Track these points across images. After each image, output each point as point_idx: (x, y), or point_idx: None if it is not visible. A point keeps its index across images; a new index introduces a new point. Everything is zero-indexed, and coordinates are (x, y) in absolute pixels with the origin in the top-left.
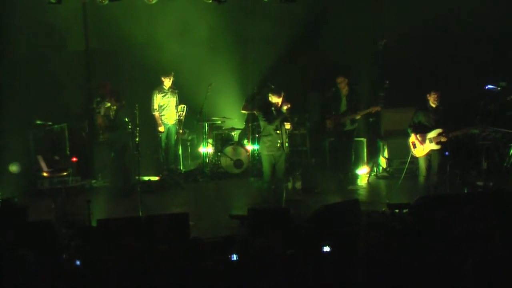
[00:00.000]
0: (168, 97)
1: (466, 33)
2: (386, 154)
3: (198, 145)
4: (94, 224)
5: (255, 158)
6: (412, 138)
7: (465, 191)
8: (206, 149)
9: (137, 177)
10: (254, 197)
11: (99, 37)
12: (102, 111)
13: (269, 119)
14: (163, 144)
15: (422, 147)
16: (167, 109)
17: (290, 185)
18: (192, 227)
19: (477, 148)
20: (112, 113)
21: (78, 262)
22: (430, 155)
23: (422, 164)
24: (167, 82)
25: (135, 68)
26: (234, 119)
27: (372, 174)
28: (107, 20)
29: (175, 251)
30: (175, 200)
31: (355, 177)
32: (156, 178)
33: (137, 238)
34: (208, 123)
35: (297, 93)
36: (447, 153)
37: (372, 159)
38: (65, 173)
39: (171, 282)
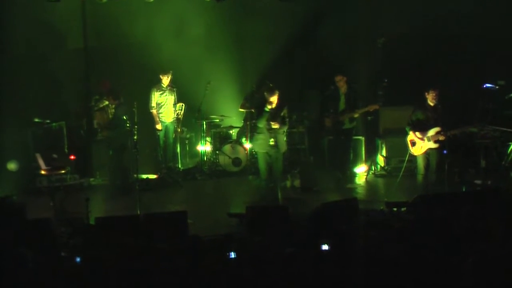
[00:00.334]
0: (166, 95)
1: (464, 31)
2: (384, 152)
3: (196, 143)
4: (92, 222)
5: (253, 156)
6: (411, 136)
7: (464, 190)
8: (205, 147)
9: (135, 175)
10: (253, 195)
11: (97, 35)
12: (100, 108)
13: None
14: (161, 142)
15: (420, 146)
16: (165, 107)
17: (288, 183)
18: (190, 225)
19: (476, 146)
20: (110, 111)
21: (77, 260)
22: (428, 153)
23: (421, 163)
24: (165, 80)
25: (133, 66)
26: (232, 117)
27: (371, 173)
28: (106, 18)
29: (174, 249)
30: (173, 198)
31: (354, 175)
32: (154, 176)
33: (135, 236)
34: (207, 121)
35: (296, 92)
36: (445, 151)
37: (371, 157)
38: (63, 171)
39: (169, 280)
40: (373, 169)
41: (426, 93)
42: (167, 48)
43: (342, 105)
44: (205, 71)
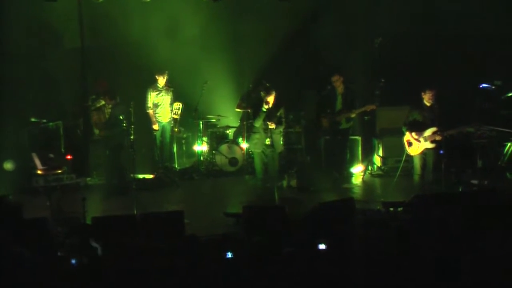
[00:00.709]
0: (162, 95)
1: (461, 31)
2: (381, 152)
3: (193, 143)
4: (89, 222)
5: (250, 156)
6: (407, 136)
7: (460, 190)
8: (201, 147)
9: (132, 175)
10: (249, 195)
11: (94, 35)
12: (97, 108)
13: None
14: (158, 142)
15: (417, 146)
16: (161, 107)
17: (285, 183)
18: (187, 225)
19: (472, 146)
20: (107, 111)
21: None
22: (425, 153)
23: (417, 163)
24: (161, 80)
25: (130, 65)
26: (229, 117)
27: (367, 173)
28: (103, 18)
29: (170, 249)
30: (170, 198)
31: (350, 175)
32: (151, 176)
33: (132, 236)
34: (203, 121)
35: (293, 91)
36: (442, 151)
37: (367, 157)
38: (60, 171)
39: (166, 280)
40: (370, 169)
41: (423, 93)
42: (163, 47)
43: (339, 105)
44: (201, 71)
